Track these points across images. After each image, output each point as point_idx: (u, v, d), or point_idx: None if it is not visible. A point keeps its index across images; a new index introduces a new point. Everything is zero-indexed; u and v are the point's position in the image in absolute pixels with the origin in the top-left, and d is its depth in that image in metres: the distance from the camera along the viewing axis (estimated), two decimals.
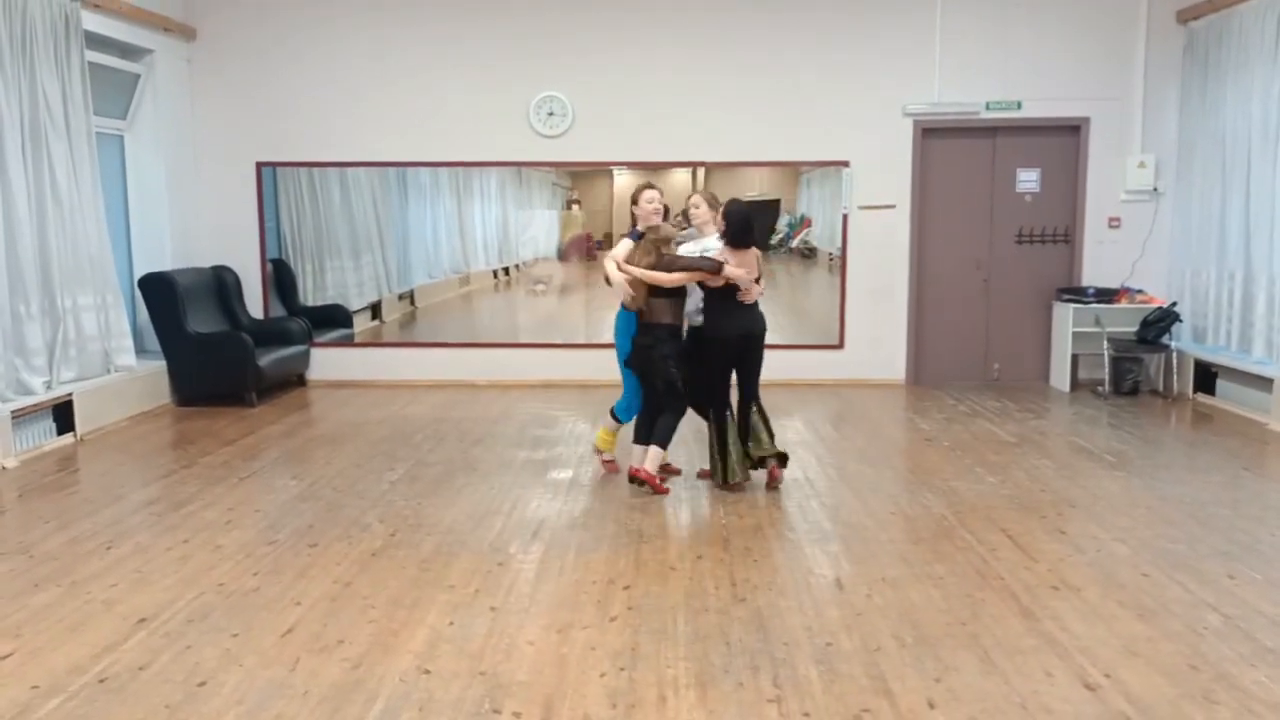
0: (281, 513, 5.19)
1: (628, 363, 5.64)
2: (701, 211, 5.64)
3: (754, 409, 5.62)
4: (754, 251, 5.48)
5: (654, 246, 5.47)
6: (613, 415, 5.90)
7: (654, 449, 5.48)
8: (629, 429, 5.84)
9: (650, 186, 5.66)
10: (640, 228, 5.57)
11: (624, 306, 5.58)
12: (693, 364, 5.53)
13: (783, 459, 5.65)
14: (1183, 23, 8.54)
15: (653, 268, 5.37)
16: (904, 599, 4.02)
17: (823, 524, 5.02)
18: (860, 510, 5.23)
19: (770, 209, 8.94)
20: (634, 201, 5.67)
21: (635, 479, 5.47)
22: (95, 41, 7.51)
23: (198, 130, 8.95)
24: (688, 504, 5.35)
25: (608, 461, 5.96)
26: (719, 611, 3.89)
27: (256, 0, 8.84)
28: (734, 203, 5.52)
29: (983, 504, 5.33)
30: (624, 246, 5.51)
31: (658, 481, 5.48)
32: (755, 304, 5.53)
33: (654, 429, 5.50)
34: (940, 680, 3.32)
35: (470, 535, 4.83)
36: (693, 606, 3.94)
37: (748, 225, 5.41)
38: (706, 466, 5.77)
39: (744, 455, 5.56)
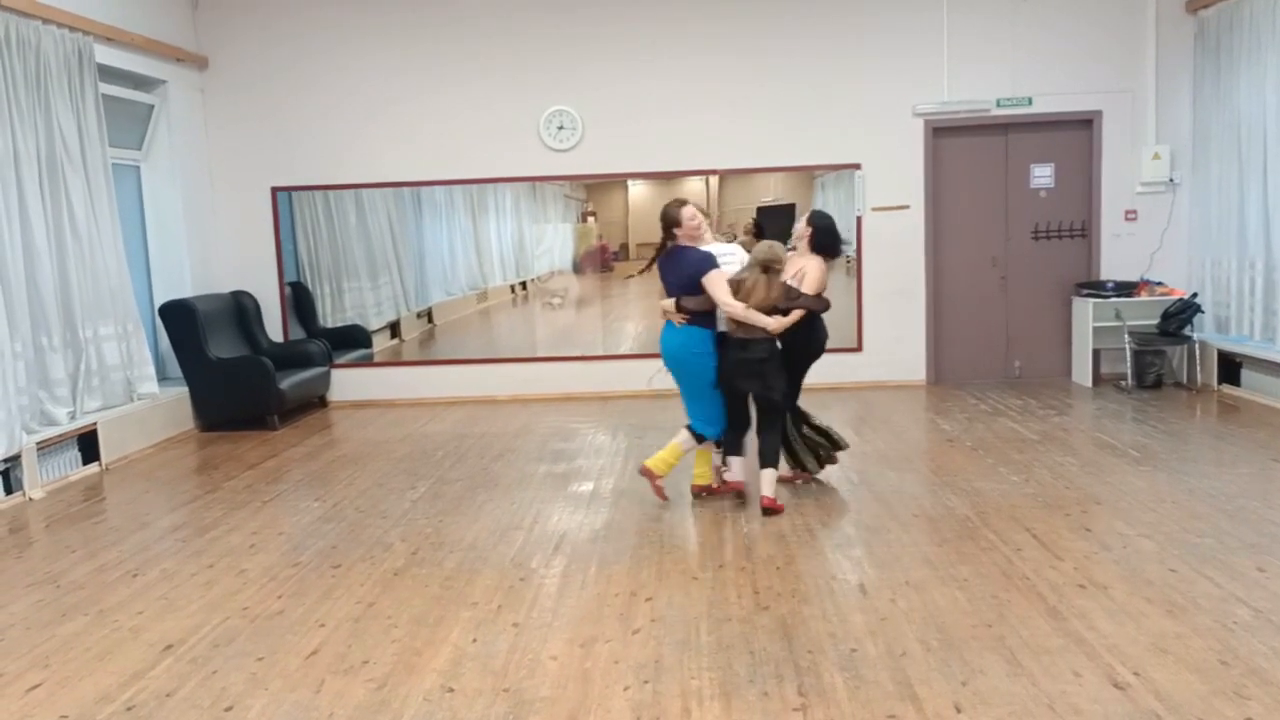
0: (305, 535, 5.22)
1: (726, 381, 5.37)
2: (699, 221, 5.48)
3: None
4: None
5: (776, 278, 5.32)
6: (696, 435, 5.42)
7: (771, 474, 5.30)
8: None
9: (685, 202, 5.34)
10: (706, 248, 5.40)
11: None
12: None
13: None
14: (1192, 11, 8.48)
15: (765, 301, 5.27)
16: (929, 602, 3.99)
17: (845, 529, 4.99)
18: (883, 513, 5.21)
19: (784, 214, 8.92)
20: (674, 222, 5.28)
21: (770, 510, 5.23)
22: (109, 74, 7.61)
23: (213, 158, 9.04)
24: (708, 513, 5.33)
25: (714, 488, 5.62)
26: (742, 620, 3.87)
27: (267, 27, 8.94)
28: (820, 215, 5.63)
29: (1006, 503, 5.29)
30: (723, 279, 5.22)
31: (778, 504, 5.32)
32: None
33: (763, 450, 5.33)
34: (967, 683, 3.29)
35: (492, 551, 4.84)
36: (716, 616, 3.92)
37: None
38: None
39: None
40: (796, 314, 5.27)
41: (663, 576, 4.40)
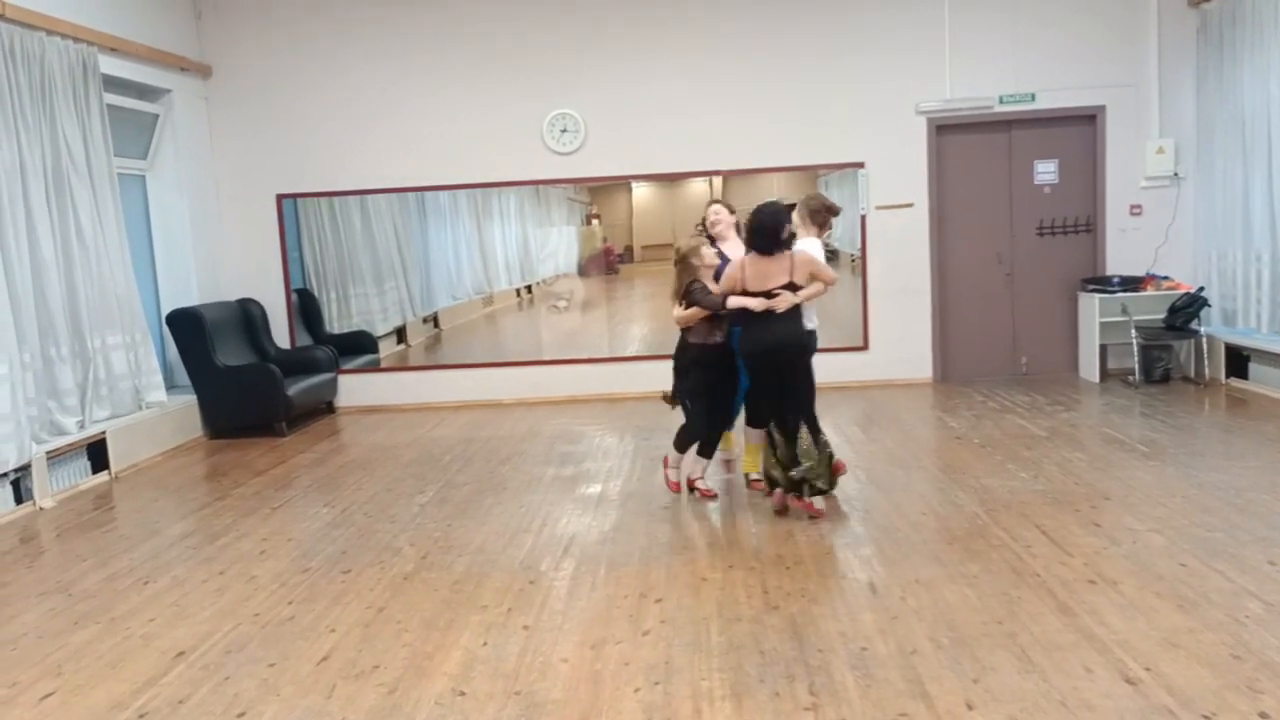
0: (314, 540, 5.23)
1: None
2: (722, 219, 5.68)
3: (801, 430, 5.13)
4: (789, 255, 5.08)
5: (681, 269, 5.35)
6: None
7: (685, 457, 5.70)
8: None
9: (715, 201, 5.81)
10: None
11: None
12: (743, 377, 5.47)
13: (803, 488, 5.15)
14: (1194, 5, 8.46)
15: (684, 291, 5.31)
16: (939, 600, 3.98)
17: (854, 527, 4.99)
18: (892, 512, 5.20)
19: (786, 213, 8.90)
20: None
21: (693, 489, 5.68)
22: (113, 84, 7.63)
23: (218, 166, 9.06)
24: (718, 514, 5.34)
25: (755, 481, 5.68)
26: (752, 621, 3.87)
27: (270, 36, 8.96)
28: (759, 209, 5.18)
29: (1015, 500, 5.28)
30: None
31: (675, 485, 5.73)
32: (786, 316, 5.04)
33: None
34: (978, 681, 3.28)
35: (501, 555, 4.84)
36: (725, 617, 3.92)
37: (763, 231, 5.08)
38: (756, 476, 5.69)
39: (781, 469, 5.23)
40: (692, 311, 5.27)
41: (672, 578, 4.40)
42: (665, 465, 5.83)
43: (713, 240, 5.63)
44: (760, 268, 5.07)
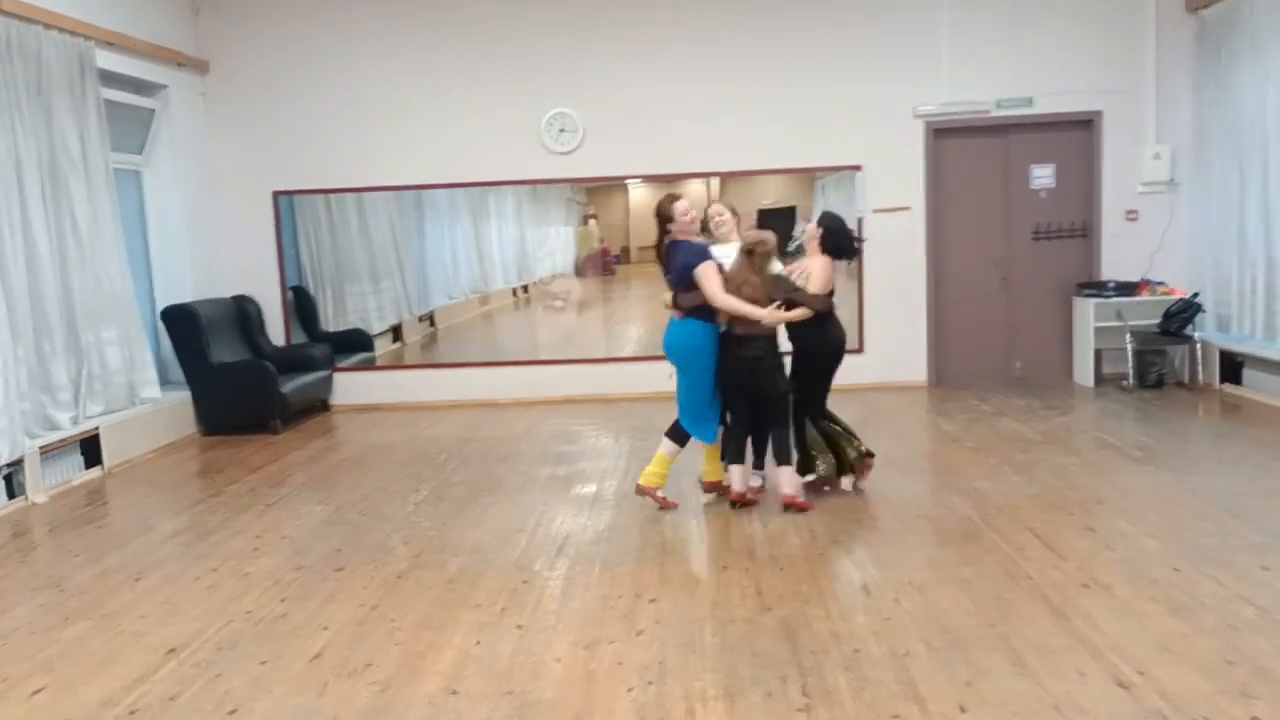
0: (308, 538, 5.22)
1: (725, 380, 5.30)
2: (726, 219, 5.50)
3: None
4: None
5: (764, 264, 5.20)
6: (681, 436, 5.38)
7: (788, 471, 5.29)
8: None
9: (678, 197, 5.39)
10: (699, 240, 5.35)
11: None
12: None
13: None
14: (1192, 11, 8.48)
15: (758, 290, 5.17)
16: (932, 603, 3.99)
17: (848, 529, 4.99)
18: (886, 514, 5.20)
19: (785, 216, 8.93)
20: (667, 218, 5.27)
21: (792, 506, 5.25)
22: (110, 79, 7.61)
23: (214, 162, 9.04)
24: (712, 515, 5.33)
25: (666, 501, 5.44)
26: (746, 622, 3.87)
27: (267, 32, 8.94)
28: (835, 218, 5.51)
29: (1009, 504, 5.28)
30: (714, 272, 5.14)
31: (801, 501, 5.28)
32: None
33: (774, 449, 5.34)
34: (971, 684, 3.28)
35: (495, 554, 4.83)
36: (719, 618, 3.92)
37: (851, 237, 5.54)
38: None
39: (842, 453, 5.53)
40: (799, 311, 5.19)
41: (666, 578, 4.40)
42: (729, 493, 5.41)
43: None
44: (830, 270, 5.44)
